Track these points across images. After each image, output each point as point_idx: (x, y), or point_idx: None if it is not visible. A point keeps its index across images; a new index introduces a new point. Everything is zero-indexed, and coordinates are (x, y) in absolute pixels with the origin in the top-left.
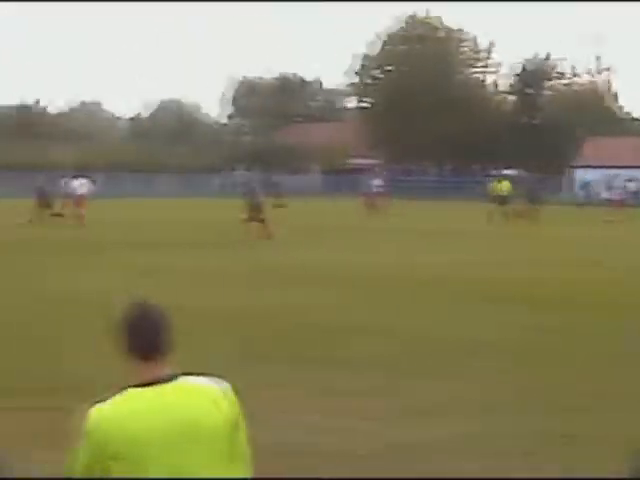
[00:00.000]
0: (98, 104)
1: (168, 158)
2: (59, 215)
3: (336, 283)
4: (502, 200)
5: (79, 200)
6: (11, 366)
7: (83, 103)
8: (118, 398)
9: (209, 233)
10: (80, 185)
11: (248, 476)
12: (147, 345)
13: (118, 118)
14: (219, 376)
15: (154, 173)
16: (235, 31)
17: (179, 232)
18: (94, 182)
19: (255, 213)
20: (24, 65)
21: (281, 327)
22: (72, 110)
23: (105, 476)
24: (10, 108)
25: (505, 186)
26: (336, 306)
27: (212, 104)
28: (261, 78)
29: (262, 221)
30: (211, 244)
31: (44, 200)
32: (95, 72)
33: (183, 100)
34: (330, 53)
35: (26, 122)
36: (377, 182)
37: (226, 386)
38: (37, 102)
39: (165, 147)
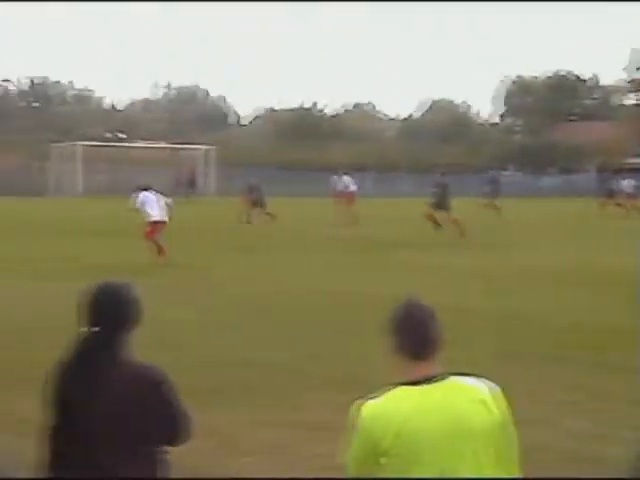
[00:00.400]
0: (372, 105)
1: (439, 158)
2: (269, 215)
3: (601, 285)
4: None
5: (349, 198)
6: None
7: (357, 105)
8: (389, 395)
9: (475, 233)
10: (347, 182)
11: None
12: (418, 344)
13: (391, 119)
14: (485, 377)
15: (426, 173)
16: (508, 30)
17: (448, 231)
18: (356, 181)
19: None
20: (303, 70)
21: (550, 328)
22: (347, 112)
23: (374, 472)
24: (292, 111)
25: None
26: (604, 308)
27: (484, 103)
28: (535, 77)
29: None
30: (477, 244)
31: (255, 199)
32: (368, 74)
33: (454, 100)
34: (608, 49)
35: (306, 123)
36: (628, 183)
37: (495, 387)
38: (315, 104)
39: (436, 147)
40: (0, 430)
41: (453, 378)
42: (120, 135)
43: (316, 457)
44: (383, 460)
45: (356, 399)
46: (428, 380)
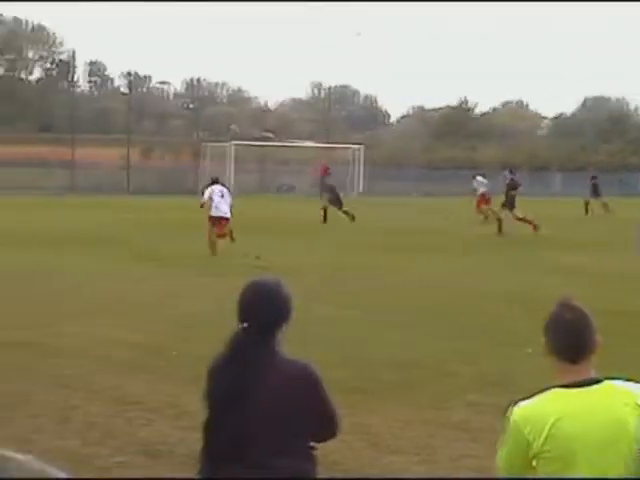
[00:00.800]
0: (522, 103)
1: (595, 156)
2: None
3: None
4: None
5: (481, 199)
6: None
7: (507, 102)
8: (542, 397)
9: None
10: (479, 183)
11: None
12: (570, 347)
13: (543, 117)
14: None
15: (580, 171)
16: None
17: (594, 231)
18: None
19: None
20: (452, 68)
21: None
22: (497, 110)
23: (526, 474)
24: (441, 109)
25: None
26: None
27: None
28: None
29: None
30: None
31: (331, 198)
32: (518, 72)
33: (610, 96)
34: None
35: (455, 122)
36: None
37: None
38: (465, 102)
39: (592, 145)
40: (161, 422)
41: (608, 382)
42: (267, 134)
43: (463, 457)
44: (535, 462)
45: (505, 401)
46: (582, 384)
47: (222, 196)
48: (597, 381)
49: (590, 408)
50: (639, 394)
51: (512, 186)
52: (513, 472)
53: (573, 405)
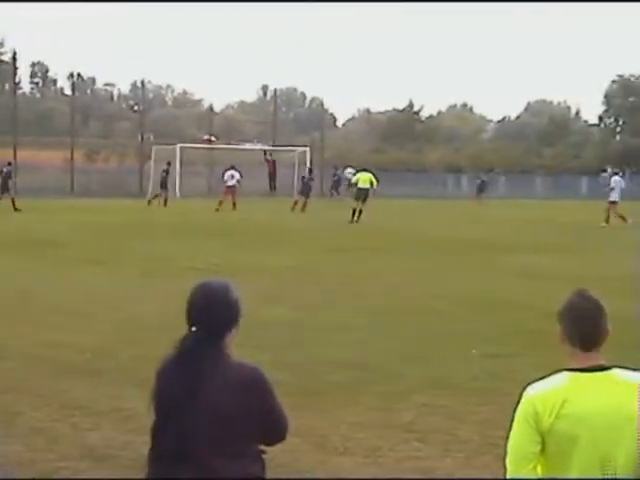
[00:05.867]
0: (468, 106)
1: (537, 160)
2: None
3: None
4: None
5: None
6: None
7: (453, 106)
8: (553, 378)
9: (569, 236)
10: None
11: None
12: (589, 336)
13: (488, 120)
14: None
15: (524, 174)
16: (607, 29)
17: (545, 234)
18: None
19: None
20: (399, 72)
21: None
22: (443, 113)
23: (534, 453)
24: (387, 112)
25: None
26: None
27: (582, 104)
28: (637, 76)
29: None
30: (571, 248)
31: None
32: (464, 76)
33: (552, 100)
34: None
35: (401, 125)
36: None
37: None
38: (411, 106)
39: (534, 148)
40: (107, 426)
41: (615, 369)
42: (212, 139)
43: (411, 459)
44: (545, 439)
45: (452, 402)
46: (591, 369)
47: (232, 176)
48: (605, 368)
49: (596, 392)
50: None
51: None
52: (523, 451)
53: (581, 388)
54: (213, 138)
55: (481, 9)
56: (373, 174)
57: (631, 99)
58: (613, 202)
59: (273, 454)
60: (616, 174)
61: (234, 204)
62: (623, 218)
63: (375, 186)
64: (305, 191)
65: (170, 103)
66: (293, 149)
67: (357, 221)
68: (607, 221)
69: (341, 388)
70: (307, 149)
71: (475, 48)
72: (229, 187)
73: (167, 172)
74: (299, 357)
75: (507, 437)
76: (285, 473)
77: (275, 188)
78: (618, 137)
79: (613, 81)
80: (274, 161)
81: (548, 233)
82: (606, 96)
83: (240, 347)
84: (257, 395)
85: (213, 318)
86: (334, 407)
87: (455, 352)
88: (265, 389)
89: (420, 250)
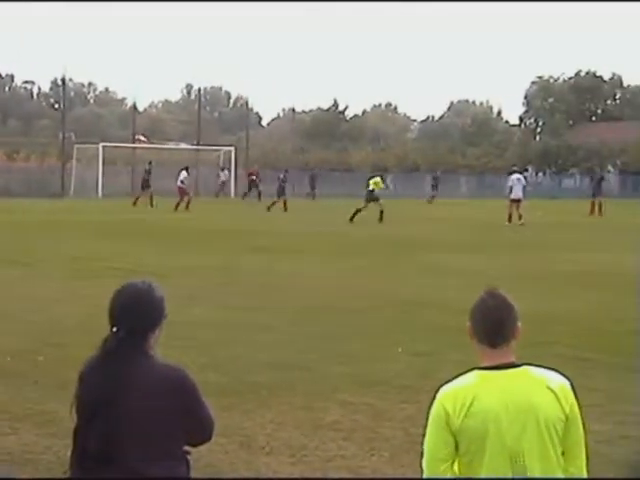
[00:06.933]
0: (392, 106)
1: (461, 159)
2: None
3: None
4: None
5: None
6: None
7: (378, 106)
8: (463, 377)
9: (490, 235)
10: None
11: (581, 473)
12: (494, 333)
13: (412, 120)
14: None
15: (446, 174)
16: (528, 31)
17: (466, 233)
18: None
19: None
20: (324, 71)
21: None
22: (368, 113)
23: (449, 453)
24: (312, 112)
25: None
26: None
27: (504, 104)
28: (556, 77)
29: None
30: (490, 246)
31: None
32: (389, 76)
33: (475, 101)
34: (635, 49)
35: (326, 124)
36: None
37: (566, 381)
38: (336, 105)
39: (458, 148)
40: (27, 430)
41: (526, 367)
42: (141, 138)
43: (336, 458)
44: (456, 438)
45: (377, 400)
46: (500, 367)
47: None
48: (515, 365)
49: (505, 389)
50: (555, 381)
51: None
52: (436, 453)
53: (490, 385)
54: (143, 138)
55: (405, 10)
56: (381, 177)
57: (550, 100)
58: (514, 200)
59: (199, 455)
60: (515, 173)
61: (177, 205)
62: (518, 216)
63: (377, 188)
64: (280, 191)
65: (92, 101)
66: (218, 149)
67: (381, 220)
68: (510, 220)
69: (266, 388)
70: (232, 149)
71: (399, 48)
72: (182, 188)
73: (149, 172)
74: (224, 357)
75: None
76: (211, 473)
77: (247, 195)
78: (538, 137)
79: (533, 82)
80: (257, 171)
81: (470, 232)
82: (526, 97)
83: (165, 348)
84: (181, 396)
85: (136, 319)
86: (259, 407)
87: (379, 351)
88: (190, 390)
89: (342, 250)
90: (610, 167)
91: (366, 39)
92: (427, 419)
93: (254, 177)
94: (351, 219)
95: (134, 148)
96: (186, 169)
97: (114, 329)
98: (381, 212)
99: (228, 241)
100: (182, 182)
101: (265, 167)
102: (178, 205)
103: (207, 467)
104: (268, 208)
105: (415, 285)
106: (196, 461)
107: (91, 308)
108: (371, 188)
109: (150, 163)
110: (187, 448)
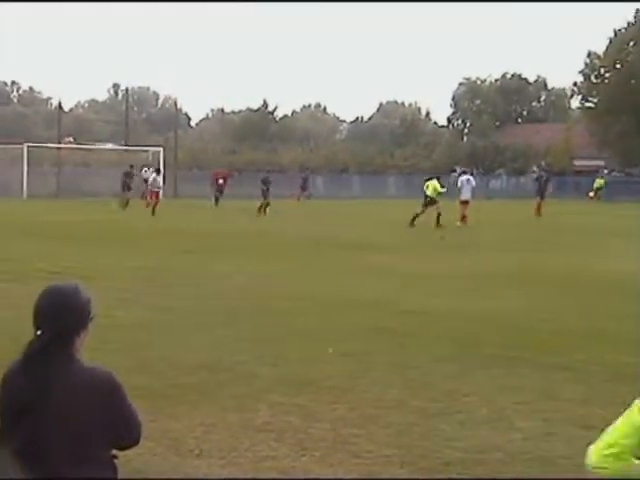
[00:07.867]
0: (321, 106)
1: (390, 160)
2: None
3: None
4: None
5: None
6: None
7: (307, 106)
8: None
9: (419, 235)
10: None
11: None
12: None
13: (341, 120)
14: (439, 376)
15: (375, 174)
16: (455, 33)
17: (397, 234)
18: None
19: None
20: (253, 71)
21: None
22: (297, 113)
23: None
24: (241, 112)
25: None
26: (556, 310)
27: (432, 105)
28: (483, 79)
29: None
30: (420, 246)
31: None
32: (318, 76)
33: (404, 102)
34: (558, 52)
35: (255, 125)
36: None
37: None
38: (265, 106)
39: (386, 149)
40: None
41: None
42: (69, 139)
43: (267, 459)
44: None
45: (307, 401)
46: None
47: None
48: None
49: None
50: None
51: None
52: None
53: None
54: (71, 139)
55: (333, 10)
56: (438, 180)
57: (477, 102)
58: (463, 202)
59: (126, 458)
60: (464, 173)
61: (149, 205)
62: (463, 218)
63: (434, 194)
64: (266, 194)
65: (16, 101)
66: (146, 149)
67: (440, 224)
68: (462, 220)
69: (195, 390)
70: (160, 149)
71: (328, 49)
72: (153, 191)
73: (131, 175)
74: (153, 359)
75: (360, 435)
76: (138, 477)
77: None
78: (466, 138)
79: (460, 84)
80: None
81: (400, 232)
82: (454, 98)
83: (93, 350)
84: (108, 399)
85: (61, 321)
86: (189, 409)
87: (310, 351)
88: (116, 393)
89: (271, 250)
90: (535, 168)
91: (296, 39)
92: (363, 418)
93: (222, 181)
94: (411, 223)
95: (59, 149)
96: (157, 171)
97: (38, 332)
98: (438, 215)
99: (158, 242)
100: (158, 187)
101: (194, 168)
102: (149, 205)
103: (136, 472)
104: (263, 211)
105: (346, 286)
106: (124, 465)
107: (17, 310)
108: (428, 193)
109: (131, 166)
110: (114, 452)
